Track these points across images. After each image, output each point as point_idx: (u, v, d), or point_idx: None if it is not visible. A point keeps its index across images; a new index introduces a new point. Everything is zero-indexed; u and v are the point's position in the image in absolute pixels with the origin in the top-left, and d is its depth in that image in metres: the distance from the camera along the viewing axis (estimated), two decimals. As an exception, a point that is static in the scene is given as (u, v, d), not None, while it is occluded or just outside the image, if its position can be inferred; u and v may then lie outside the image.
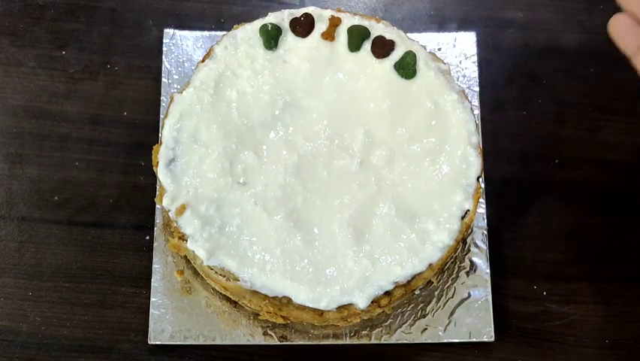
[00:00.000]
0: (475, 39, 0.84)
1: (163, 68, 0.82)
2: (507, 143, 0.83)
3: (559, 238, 0.80)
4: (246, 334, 0.74)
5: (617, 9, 0.88)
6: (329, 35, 0.76)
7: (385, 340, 0.74)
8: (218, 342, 0.74)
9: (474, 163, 0.71)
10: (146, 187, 0.80)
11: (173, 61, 0.83)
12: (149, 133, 0.80)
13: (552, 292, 0.78)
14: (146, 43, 0.85)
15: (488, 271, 0.76)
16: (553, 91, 0.85)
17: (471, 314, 0.75)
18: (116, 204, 0.80)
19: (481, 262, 0.77)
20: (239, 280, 0.68)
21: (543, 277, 0.78)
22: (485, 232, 0.78)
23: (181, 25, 0.85)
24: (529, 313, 0.77)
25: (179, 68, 0.83)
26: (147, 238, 0.78)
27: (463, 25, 0.86)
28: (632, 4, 0.62)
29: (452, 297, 0.75)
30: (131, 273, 0.77)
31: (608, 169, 0.82)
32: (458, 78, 0.83)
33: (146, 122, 0.82)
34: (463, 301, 0.75)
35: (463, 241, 0.76)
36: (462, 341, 0.74)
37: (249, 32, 0.76)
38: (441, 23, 0.87)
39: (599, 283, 0.78)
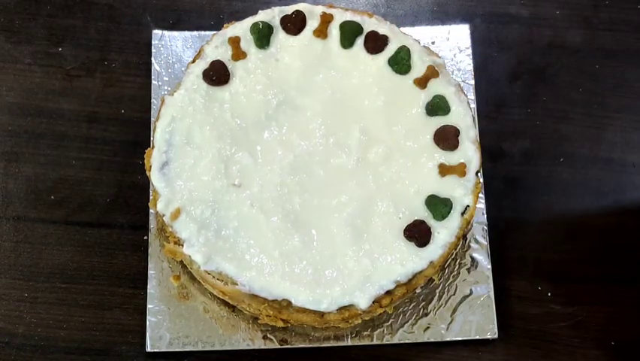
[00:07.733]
0: (468, 31, 0.84)
1: (153, 70, 0.82)
2: (511, 141, 0.82)
3: (564, 238, 0.79)
4: (245, 338, 0.73)
5: (623, 5, 0.87)
6: (321, 32, 0.76)
7: (387, 340, 0.73)
8: (217, 348, 0.73)
9: (472, 158, 0.71)
10: (144, 186, 0.79)
11: (162, 62, 0.82)
12: (147, 131, 0.80)
13: (557, 293, 0.77)
14: (143, 40, 0.84)
15: (489, 267, 0.76)
16: (558, 88, 0.84)
17: (474, 311, 0.74)
18: (113, 203, 0.79)
19: (482, 258, 0.76)
20: (237, 284, 0.68)
21: (547, 278, 0.78)
22: (485, 228, 0.77)
23: (179, 21, 0.85)
24: (533, 314, 0.77)
25: (169, 70, 0.82)
26: (145, 237, 0.77)
27: (465, 21, 0.86)
28: None
29: (454, 294, 0.75)
30: (129, 273, 0.77)
31: (614, 168, 0.81)
32: (453, 72, 0.82)
33: (143, 119, 0.81)
34: (465, 298, 0.75)
35: (463, 238, 0.76)
36: (465, 338, 0.74)
37: (239, 31, 0.75)
38: (443, 19, 0.86)
39: (604, 285, 0.78)
